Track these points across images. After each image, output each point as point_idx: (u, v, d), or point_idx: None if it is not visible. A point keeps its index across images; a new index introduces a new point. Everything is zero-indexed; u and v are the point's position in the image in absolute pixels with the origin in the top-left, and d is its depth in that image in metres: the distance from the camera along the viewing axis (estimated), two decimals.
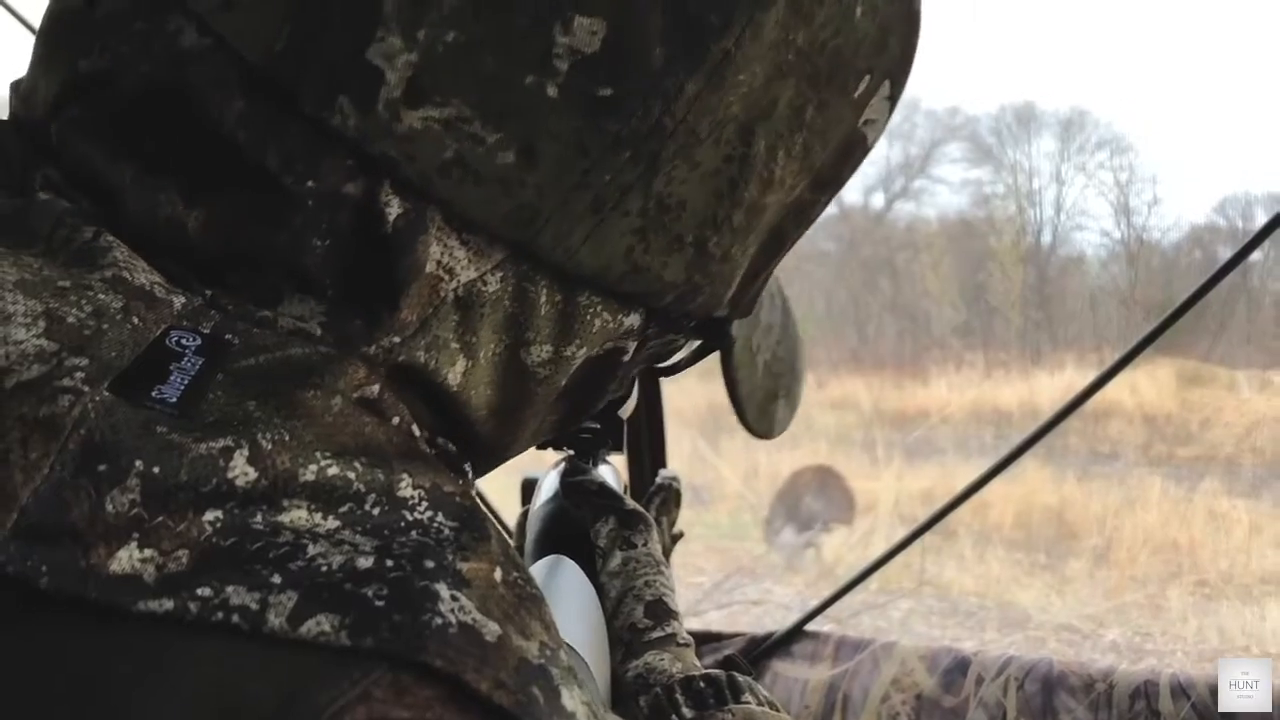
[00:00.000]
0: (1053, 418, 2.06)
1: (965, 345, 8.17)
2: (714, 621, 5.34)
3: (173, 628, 0.40)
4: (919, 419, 7.82)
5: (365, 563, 0.42)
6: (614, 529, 1.10)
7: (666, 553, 1.31)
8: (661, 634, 0.99)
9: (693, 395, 7.46)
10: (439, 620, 0.41)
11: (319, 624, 0.40)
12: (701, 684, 0.89)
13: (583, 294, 0.55)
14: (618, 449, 1.30)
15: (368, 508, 0.45)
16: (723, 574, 6.35)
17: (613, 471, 1.29)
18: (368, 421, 0.49)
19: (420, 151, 0.48)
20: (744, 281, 0.61)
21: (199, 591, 0.40)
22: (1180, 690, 1.85)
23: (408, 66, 0.48)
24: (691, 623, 3.31)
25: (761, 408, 0.80)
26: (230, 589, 0.40)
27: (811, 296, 9.00)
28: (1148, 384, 7.24)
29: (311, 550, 0.42)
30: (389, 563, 0.43)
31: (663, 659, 0.96)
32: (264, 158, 0.49)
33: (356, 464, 0.46)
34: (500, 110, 0.49)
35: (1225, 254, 1.95)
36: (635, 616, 1.01)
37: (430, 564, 0.43)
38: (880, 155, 9.14)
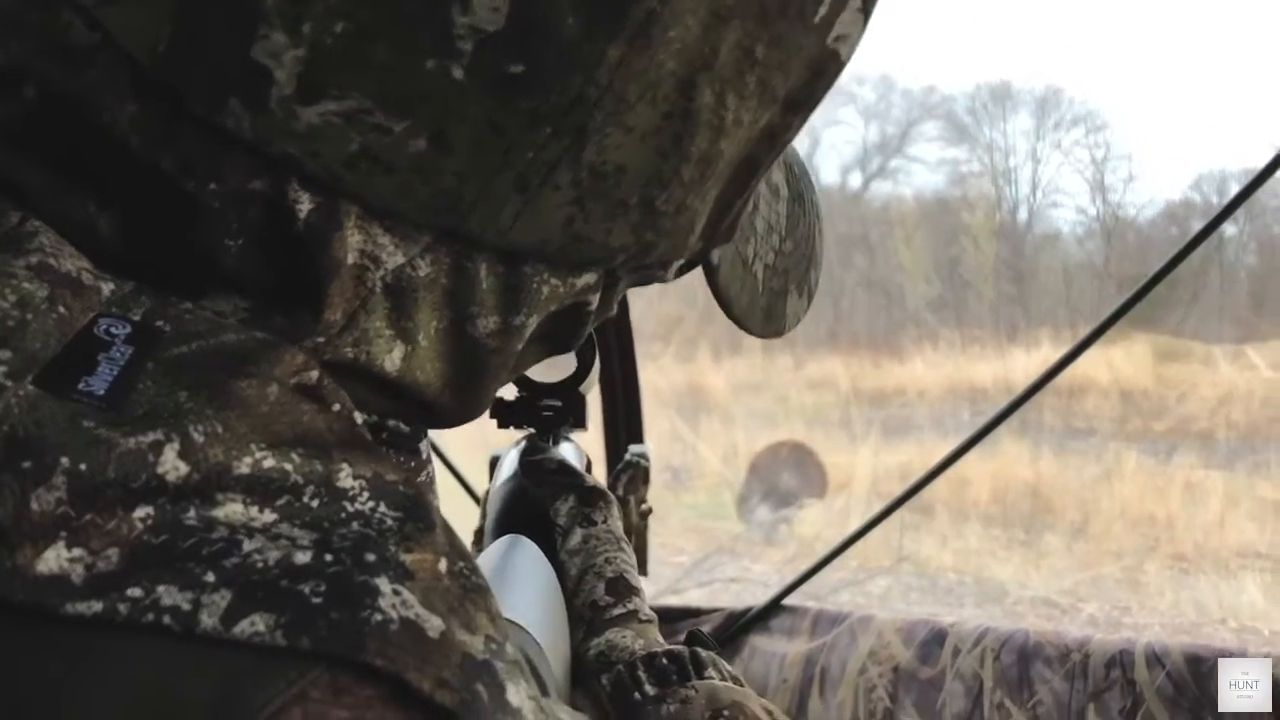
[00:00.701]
0: (1026, 390, 2.07)
1: (941, 323, 8.18)
2: (693, 600, 5.35)
3: (103, 630, 0.38)
4: (896, 397, 7.84)
5: (303, 558, 0.41)
6: (574, 506, 1.10)
7: (637, 530, 1.30)
8: (623, 610, 0.99)
9: (671, 375, 7.47)
10: (379, 616, 0.40)
11: (253, 624, 0.39)
12: (664, 660, 0.88)
13: (526, 264, 0.53)
14: (580, 426, 1.29)
15: (306, 500, 0.44)
16: (702, 553, 6.36)
17: (574, 449, 1.28)
18: (305, 410, 0.47)
19: (323, 147, 0.47)
20: (713, 218, 0.59)
21: (129, 592, 0.39)
22: (1155, 659, 1.86)
23: (296, 63, 0.46)
24: (670, 600, 3.32)
25: (767, 312, 0.76)
26: (161, 589, 0.39)
27: None
28: (1123, 360, 7.26)
29: (247, 546, 0.41)
30: (328, 557, 0.41)
31: (625, 636, 0.95)
32: (159, 162, 0.48)
33: (294, 455, 0.45)
34: (403, 98, 0.47)
35: (1200, 229, 1.96)
36: (596, 594, 1.01)
37: (371, 557, 0.42)
38: (857, 135, 9.16)
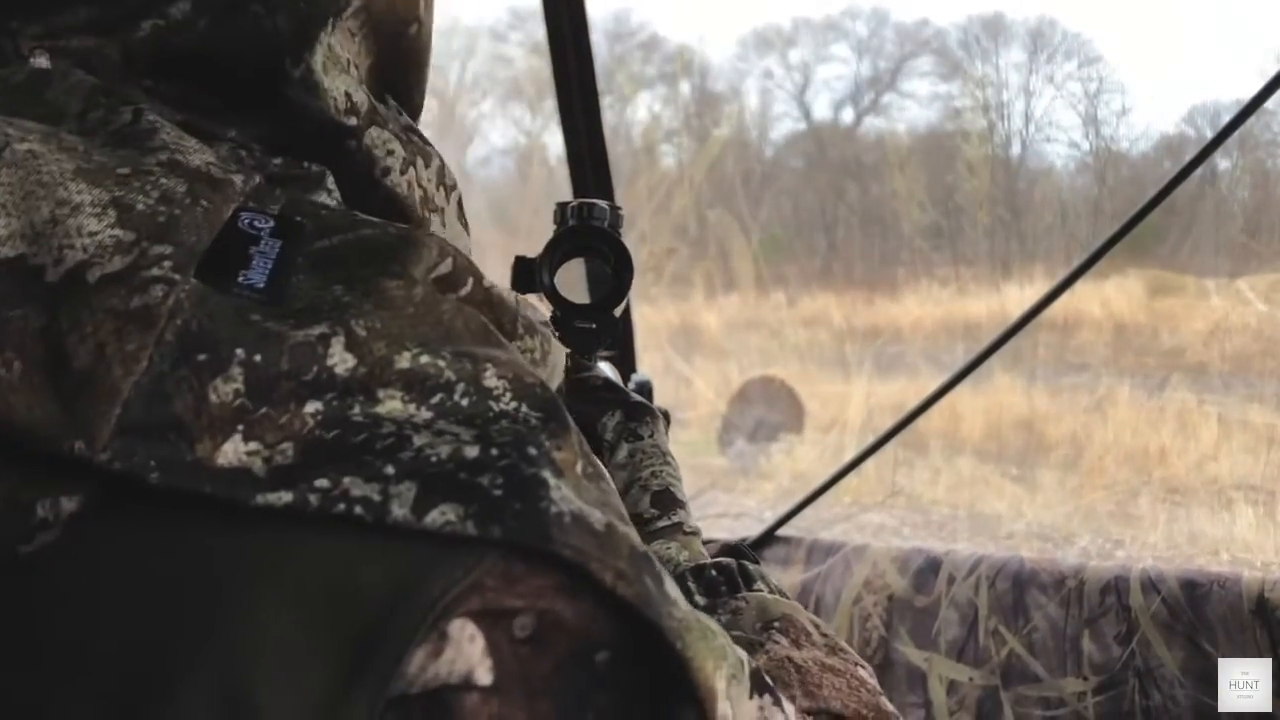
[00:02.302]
0: (1018, 321, 2.07)
1: (934, 260, 8.18)
2: None
3: (291, 520, 0.39)
4: (889, 333, 7.85)
5: (472, 452, 0.42)
6: (620, 421, 1.10)
7: None
8: (668, 523, 0.99)
9: (665, 312, 7.47)
10: (555, 509, 0.41)
11: (443, 514, 0.40)
12: (713, 571, 0.88)
13: None
14: (614, 347, 1.29)
15: (457, 398, 0.45)
16: (696, 489, 6.38)
17: (611, 368, 1.28)
18: (445, 310, 0.48)
19: None
20: None
21: (317, 483, 0.40)
22: (1150, 585, 1.86)
23: None
24: None
25: None
26: (348, 480, 0.40)
27: (781, 212, 8.99)
28: (1116, 293, 7.26)
29: (417, 440, 0.42)
30: (493, 451, 0.43)
31: (669, 547, 0.95)
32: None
33: (445, 352, 0.46)
34: None
35: None
36: (642, 506, 1.01)
37: (532, 450, 0.43)
38: (849, 70, 9.11)
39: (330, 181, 0.57)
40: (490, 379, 0.46)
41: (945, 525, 6.01)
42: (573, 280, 1.24)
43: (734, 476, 6.78)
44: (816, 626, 0.81)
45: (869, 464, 2.34)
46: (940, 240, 8.27)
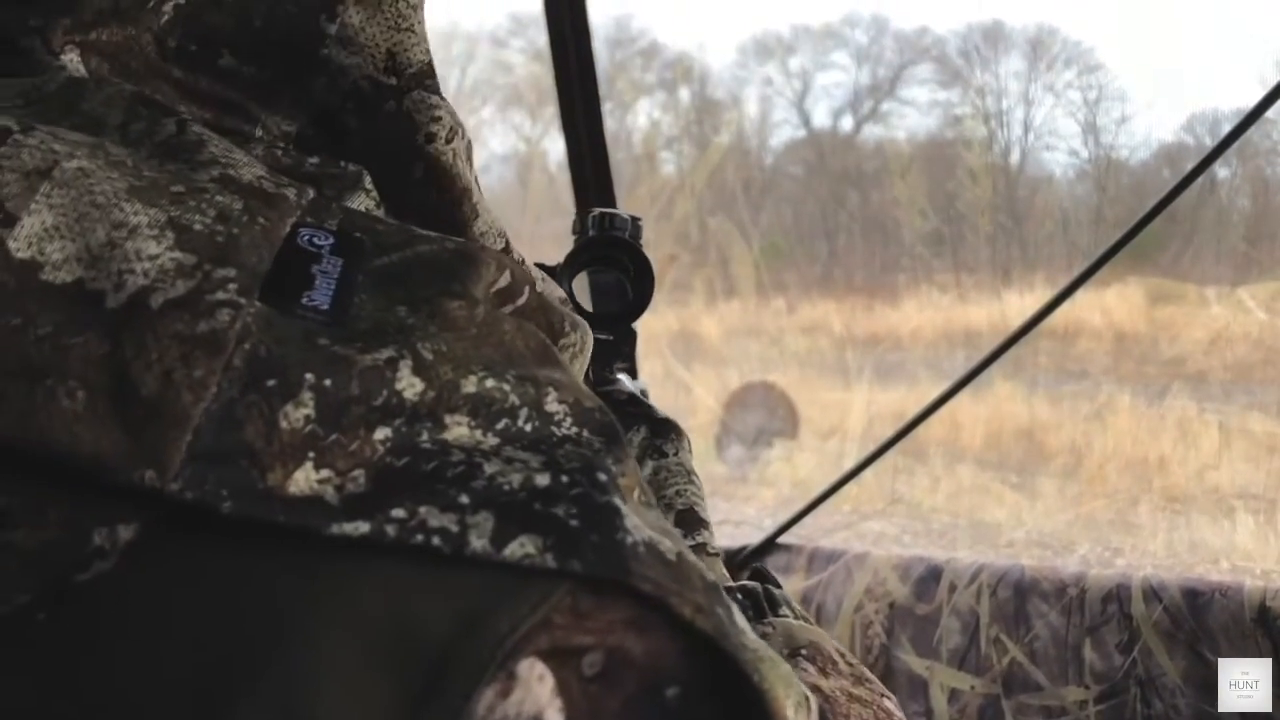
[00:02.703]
0: (1018, 330, 2.07)
1: (934, 268, 8.18)
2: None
3: (366, 550, 0.39)
4: (889, 341, 7.85)
5: (543, 480, 0.41)
6: (645, 438, 1.09)
7: None
8: (692, 543, 0.97)
9: (664, 319, 7.46)
10: (630, 539, 0.41)
11: (523, 546, 0.39)
12: (739, 596, 0.87)
13: None
14: (630, 360, 1.28)
15: (521, 423, 0.44)
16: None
17: (630, 381, 1.28)
18: (507, 329, 0.48)
19: None
20: None
21: (393, 513, 0.39)
22: (1153, 593, 1.86)
23: None
24: None
25: None
26: (424, 509, 0.39)
27: (782, 219, 8.99)
28: (1117, 302, 7.27)
29: (488, 469, 0.41)
30: (564, 478, 0.42)
31: None
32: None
33: (509, 376, 0.45)
34: None
35: None
36: None
37: (602, 477, 0.43)
38: (848, 78, 9.11)
39: (368, 181, 0.57)
40: (552, 403, 0.46)
41: (946, 533, 6.01)
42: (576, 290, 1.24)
43: (734, 484, 6.78)
44: (842, 655, 0.80)
45: (869, 472, 2.34)
46: (940, 248, 8.28)
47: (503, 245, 0.66)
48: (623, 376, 1.25)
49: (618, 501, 0.42)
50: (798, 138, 9.40)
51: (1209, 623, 1.80)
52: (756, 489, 6.73)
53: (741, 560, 2.27)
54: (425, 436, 0.41)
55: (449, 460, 0.41)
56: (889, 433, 2.32)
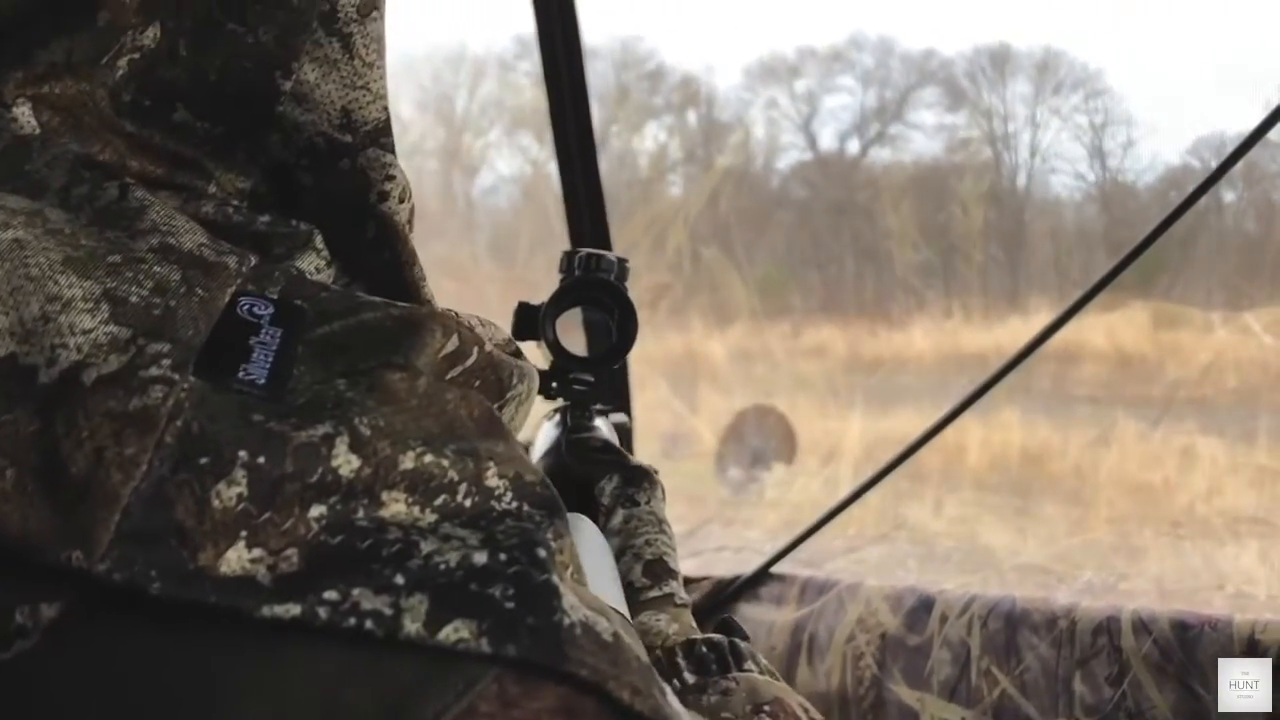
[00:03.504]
0: (1018, 354, 2.07)
1: (936, 291, 8.17)
2: (687, 569, 5.37)
3: (297, 633, 0.38)
4: (893, 365, 7.84)
5: (480, 558, 0.41)
6: (618, 486, 1.09)
7: None
8: (659, 593, 0.98)
9: (667, 342, 7.46)
10: (567, 620, 0.41)
11: (457, 630, 0.39)
12: (704, 648, 0.88)
13: None
14: (610, 403, 1.29)
15: (460, 499, 0.44)
16: (699, 520, 6.37)
17: (608, 425, 1.28)
18: (450, 399, 0.48)
19: None
20: None
21: (325, 595, 0.39)
22: (1142, 626, 1.86)
23: None
24: None
25: None
26: (357, 591, 0.39)
27: (786, 241, 8.99)
28: (1121, 325, 7.26)
29: (425, 547, 0.41)
30: (502, 556, 0.42)
31: (659, 619, 0.95)
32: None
33: (448, 451, 0.45)
34: None
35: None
36: (633, 575, 1.00)
37: (541, 554, 0.43)
38: (855, 101, 9.12)
39: (319, 240, 0.57)
40: (492, 477, 0.46)
41: (948, 558, 5.99)
42: (569, 325, 1.24)
43: (735, 507, 6.77)
44: (806, 710, 0.81)
45: (871, 496, 2.33)
46: (944, 271, 8.27)
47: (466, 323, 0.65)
48: (600, 421, 1.26)
49: (556, 580, 0.42)
50: (804, 160, 9.40)
51: (1198, 656, 1.80)
52: (759, 512, 6.72)
53: (735, 590, 2.27)
54: (361, 514, 0.41)
55: (385, 538, 0.41)
56: (891, 454, 2.32)
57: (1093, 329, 6.97)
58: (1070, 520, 6.32)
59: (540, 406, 1.29)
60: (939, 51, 8.81)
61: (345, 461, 0.42)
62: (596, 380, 1.22)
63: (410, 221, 0.65)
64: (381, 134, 0.61)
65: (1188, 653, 1.79)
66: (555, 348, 1.19)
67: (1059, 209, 8.72)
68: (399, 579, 0.39)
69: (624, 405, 2.27)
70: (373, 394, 0.44)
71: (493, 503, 0.45)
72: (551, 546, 0.43)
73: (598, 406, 1.27)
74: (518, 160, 9.45)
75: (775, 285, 8.34)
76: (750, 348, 7.88)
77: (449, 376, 0.51)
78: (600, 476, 1.11)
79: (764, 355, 7.95)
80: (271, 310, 0.46)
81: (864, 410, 7.35)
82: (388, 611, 0.38)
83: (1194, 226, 6.49)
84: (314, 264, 0.56)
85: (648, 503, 1.07)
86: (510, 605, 0.40)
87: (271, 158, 0.58)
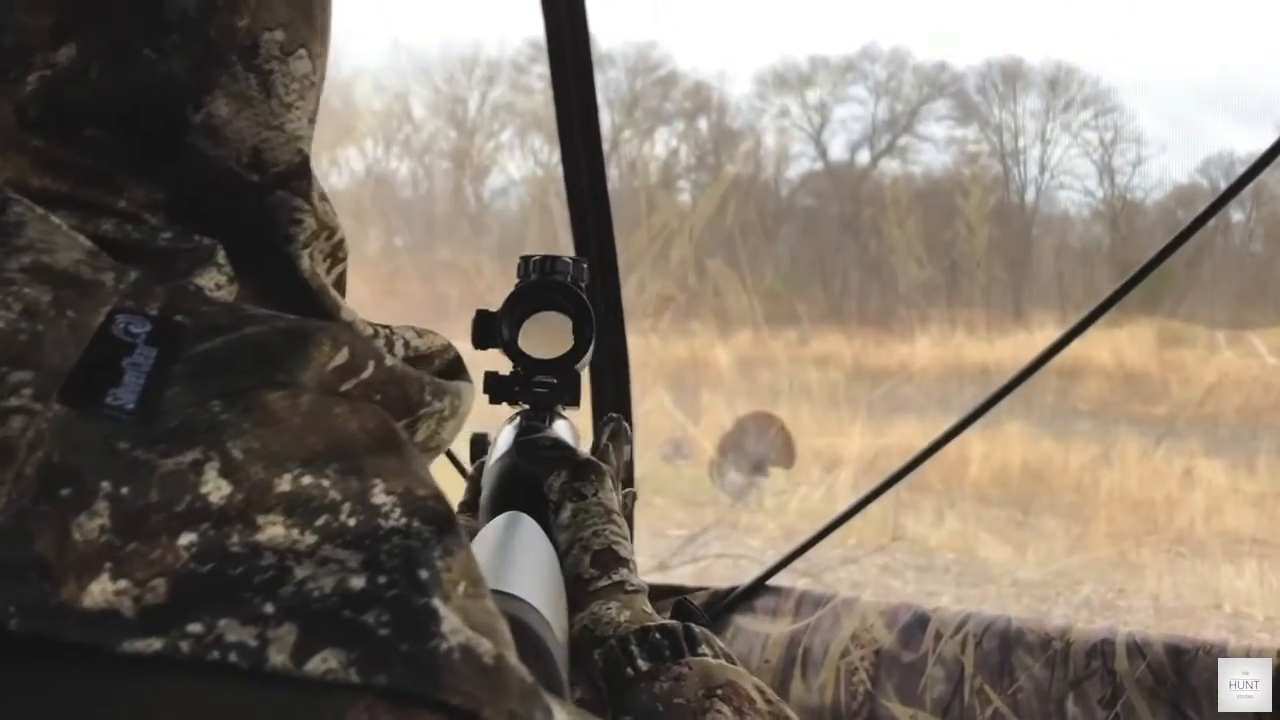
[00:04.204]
0: (1021, 372, 2.07)
1: (942, 304, 8.18)
2: (686, 575, 5.37)
3: (162, 668, 0.36)
4: (899, 376, 7.85)
5: (358, 582, 0.39)
6: (565, 481, 1.09)
7: (627, 479, 1.28)
8: (608, 582, 0.97)
9: (674, 348, 7.47)
10: (444, 645, 0.39)
11: (325, 661, 0.37)
12: (657, 635, 0.87)
13: None
14: (574, 403, 1.28)
15: (344, 518, 0.42)
16: (700, 526, 6.38)
17: (568, 426, 1.28)
18: (338, 414, 0.46)
19: None
20: None
21: (189, 628, 0.37)
22: (1136, 649, 1.86)
23: None
24: (655, 577, 3.33)
25: None
26: (223, 623, 0.37)
27: (794, 249, 9.00)
28: (1127, 342, 7.27)
29: (299, 573, 0.39)
30: (381, 579, 0.40)
31: (609, 608, 0.94)
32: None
33: (329, 471, 0.43)
34: None
35: None
36: (582, 567, 0.99)
37: (424, 574, 0.41)
38: (866, 112, 9.12)
39: (221, 256, 0.54)
40: (379, 494, 0.44)
41: (948, 570, 6.00)
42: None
43: (737, 513, 6.77)
44: (762, 693, 0.80)
45: (872, 507, 2.33)
46: (952, 284, 8.28)
47: (370, 331, 0.62)
48: (560, 422, 1.26)
49: (436, 603, 0.40)
50: (814, 170, 9.40)
51: (1192, 680, 1.81)
52: (760, 519, 6.73)
53: (730, 601, 2.27)
54: (236, 539, 0.39)
55: (258, 565, 0.39)
56: (895, 464, 2.32)
57: (1097, 345, 6.98)
58: (1070, 536, 6.33)
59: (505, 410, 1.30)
60: (951, 65, 8.82)
61: (215, 488, 0.40)
62: (559, 383, 1.23)
63: (335, 257, 0.64)
64: (293, 177, 0.59)
65: (1181, 677, 1.80)
66: (513, 351, 1.19)
67: (1066, 225, 8.74)
68: (269, 608, 0.38)
69: (624, 413, 2.28)
70: (249, 415, 0.43)
71: (379, 521, 0.42)
72: (437, 566, 0.41)
73: (563, 409, 1.27)
74: (529, 162, 9.47)
75: (781, 294, 8.34)
76: (754, 356, 7.88)
77: (342, 390, 0.48)
78: (549, 474, 1.11)
79: (769, 363, 7.96)
80: (148, 328, 0.44)
81: (866, 421, 7.37)
82: (253, 643, 0.37)
83: (1201, 246, 6.49)
84: (215, 280, 0.53)
85: (595, 495, 1.07)
86: (384, 632, 0.38)
87: (181, 184, 0.56)
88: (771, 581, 2.32)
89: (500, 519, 1.06)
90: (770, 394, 7.74)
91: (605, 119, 2.17)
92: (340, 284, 0.64)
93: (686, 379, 7.42)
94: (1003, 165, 8.50)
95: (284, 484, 0.42)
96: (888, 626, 2.10)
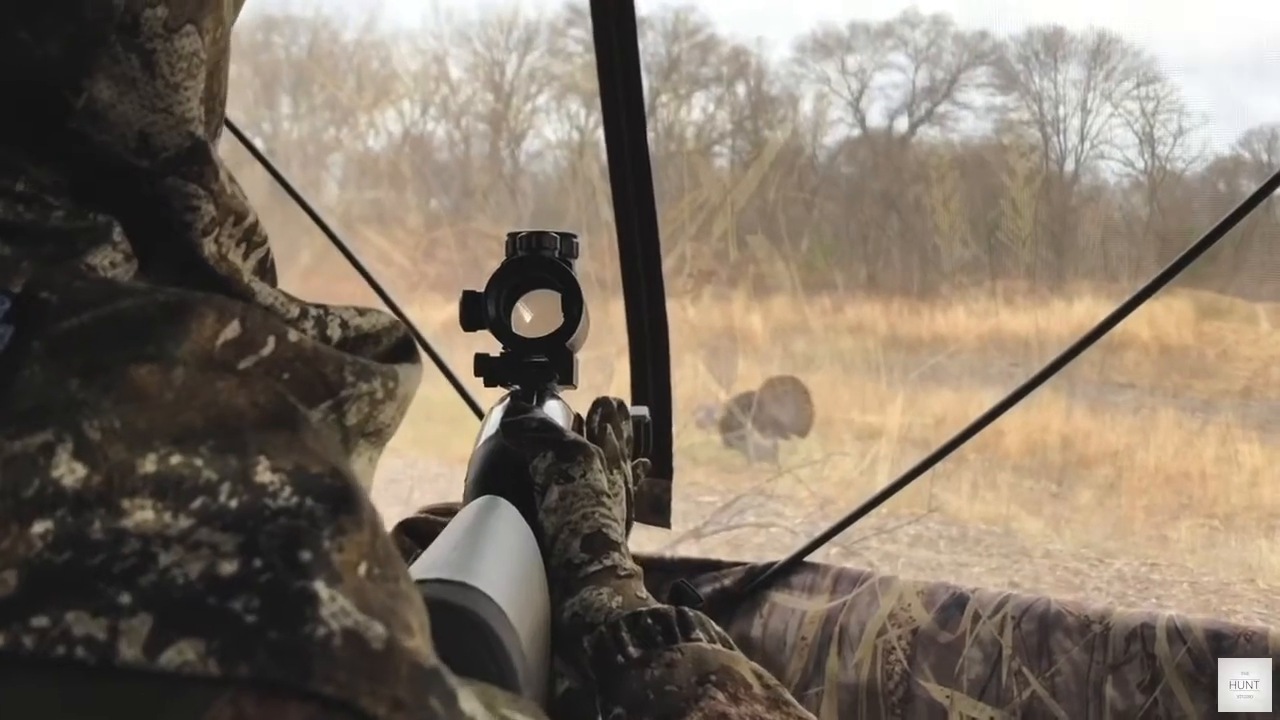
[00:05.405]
0: (1066, 352, 2.05)
1: (980, 274, 8.14)
2: (718, 543, 5.38)
3: (5, 667, 0.34)
4: (935, 345, 7.83)
5: (229, 568, 0.37)
6: (551, 463, 1.06)
7: (625, 456, 1.22)
8: (599, 567, 0.95)
9: (710, 314, 7.46)
10: (321, 630, 0.36)
11: (180, 653, 0.34)
12: (649, 620, 0.85)
13: None
14: (567, 383, 1.26)
15: (223, 500, 0.39)
16: (733, 494, 6.38)
17: (561, 407, 1.23)
18: (221, 388, 0.43)
19: None
20: None
21: (33, 622, 0.34)
22: (1177, 634, 1.85)
23: None
24: (692, 551, 3.33)
25: None
26: (71, 616, 0.34)
27: (832, 217, 8.97)
28: (1165, 315, 7.22)
29: (164, 559, 0.36)
30: (256, 562, 0.37)
31: (600, 594, 0.92)
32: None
33: (203, 449, 0.40)
34: None
35: (1247, 186, 1.94)
36: (571, 552, 0.97)
37: (306, 555, 0.38)
38: (905, 79, 9.07)
39: (117, 234, 0.51)
40: (264, 473, 0.41)
41: (981, 541, 5.99)
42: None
43: (770, 483, 6.77)
44: (759, 678, 0.78)
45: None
46: (989, 253, 8.24)
47: (297, 311, 0.58)
48: (552, 402, 1.23)
49: (316, 586, 0.37)
50: (852, 136, 9.35)
51: None
52: (793, 488, 6.72)
53: (767, 578, 2.27)
54: (98, 525, 0.37)
55: (119, 552, 0.36)
56: (930, 434, 2.31)
57: (1137, 318, 6.91)
58: (1105, 509, 6.31)
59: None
60: (992, 33, 8.75)
61: (68, 471, 0.37)
62: (550, 361, 1.21)
63: (251, 243, 0.59)
64: (184, 162, 0.55)
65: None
66: (500, 330, 1.18)
67: (1106, 195, 8.68)
68: (125, 598, 0.35)
69: (662, 385, 2.27)
70: (109, 393, 0.40)
71: (265, 500, 0.40)
72: (324, 547, 0.39)
73: (557, 384, 1.24)
74: (565, 126, 9.46)
75: (818, 265, 8.32)
76: (791, 322, 7.87)
77: (241, 368, 0.46)
78: (534, 456, 1.08)
79: (803, 330, 7.94)
80: (8, 306, 0.42)
81: (902, 389, 7.35)
82: (102, 636, 0.34)
83: (1243, 220, 6.39)
84: (110, 258, 0.50)
85: (583, 476, 1.05)
86: (251, 619, 0.35)
87: (75, 169, 0.52)
88: (808, 558, 2.31)
89: (476, 503, 1.02)
90: (807, 360, 7.74)
91: (643, 84, 2.14)
92: (264, 269, 0.61)
93: (722, 344, 7.41)
94: (1042, 134, 8.45)
95: (148, 464, 0.39)
96: (925, 606, 2.09)
